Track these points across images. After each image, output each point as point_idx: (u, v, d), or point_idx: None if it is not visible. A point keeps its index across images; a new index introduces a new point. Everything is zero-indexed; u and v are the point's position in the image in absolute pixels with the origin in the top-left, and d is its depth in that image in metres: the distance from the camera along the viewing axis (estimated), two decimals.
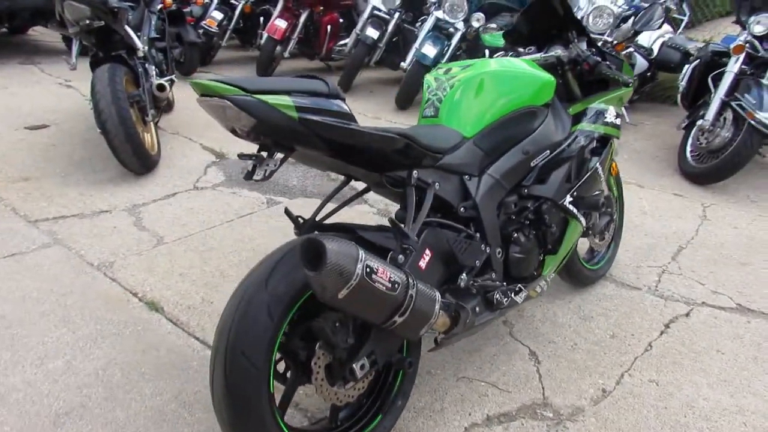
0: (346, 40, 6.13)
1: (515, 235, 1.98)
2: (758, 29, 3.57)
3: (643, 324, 2.41)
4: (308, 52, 6.49)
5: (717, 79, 3.76)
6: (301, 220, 1.90)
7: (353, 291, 1.38)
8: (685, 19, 5.76)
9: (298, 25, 6.05)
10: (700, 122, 3.73)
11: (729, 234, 3.17)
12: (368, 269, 1.39)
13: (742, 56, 3.60)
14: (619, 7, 4.44)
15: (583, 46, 2.24)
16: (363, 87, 5.75)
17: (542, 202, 2.01)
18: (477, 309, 1.84)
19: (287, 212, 1.88)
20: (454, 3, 4.89)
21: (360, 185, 1.90)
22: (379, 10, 5.59)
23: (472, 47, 5.21)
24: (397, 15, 5.56)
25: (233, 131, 1.51)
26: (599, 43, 2.49)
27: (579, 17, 4.51)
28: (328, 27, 6.13)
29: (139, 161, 3.55)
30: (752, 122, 3.41)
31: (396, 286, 1.46)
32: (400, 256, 1.57)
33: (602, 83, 2.33)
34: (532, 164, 2.01)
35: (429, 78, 2.04)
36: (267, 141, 1.51)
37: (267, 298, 1.48)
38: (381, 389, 1.80)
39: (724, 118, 3.65)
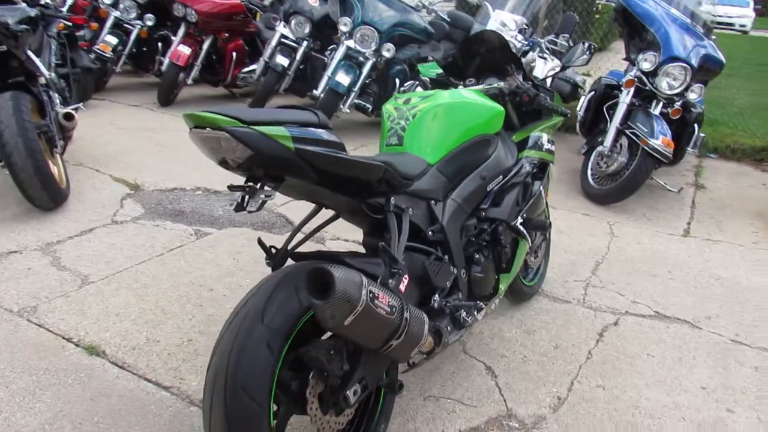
0: (252, 67, 6.09)
1: (476, 256, 2.08)
2: (645, 66, 4.02)
3: (580, 334, 2.60)
4: (211, 79, 6.35)
5: (611, 109, 4.16)
6: (274, 250, 1.88)
7: (358, 317, 1.39)
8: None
9: (202, 52, 5.91)
10: (599, 148, 4.11)
11: (635, 249, 3.50)
12: (371, 295, 1.42)
13: (632, 89, 4.03)
14: (519, 42, 4.79)
15: (520, 78, 2.42)
16: None
17: (498, 224, 2.13)
18: (449, 328, 1.91)
19: (260, 242, 1.86)
20: (365, 33, 5.03)
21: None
22: (287, 38, 5.61)
23: (382, 76, 5.37)
24: (305, 43, 5.61)
25: (222, 163, 1.48)
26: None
27: None
28: (233, 53, 6.05)
29: (48, 196, 3.29)
30: (646, 148, 3.81)
31: (393, 310, 1.49)
32: (391, 281, 1.60)
33: (535, 113, 2.52)
34: (488, 188, 2.14)
35: (388, 108, 2.10)
36: (258, 172, 1.50)
37: (265, 331, 1.46)
38: (363, 414, 1.81)
39: (620, 145, 4.05)
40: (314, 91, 5.24)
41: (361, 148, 5.04)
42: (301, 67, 5.75)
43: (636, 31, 4.13)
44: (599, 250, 3.45)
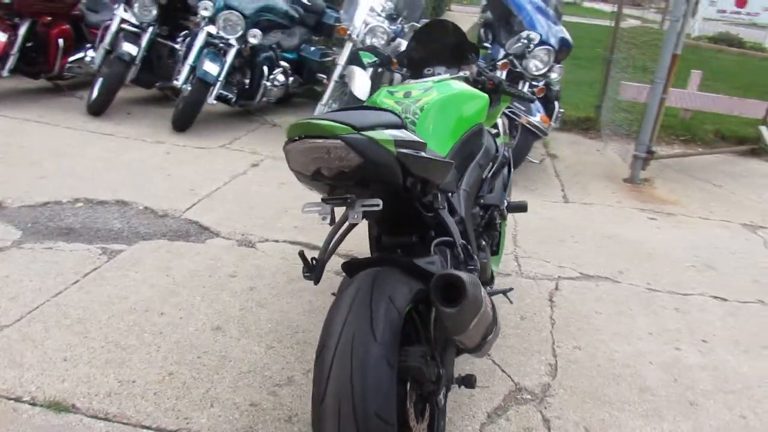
0: (79, 55, 5.37)
1: (482, 242, 2.15)
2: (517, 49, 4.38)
3: (534, 303, 2.81)
4: (30, 70, 5.43)
5: None
6: (314, 262, 1.75)
7: (480, 319, 1.38)
8: None
9: (18, 38, 5.03)
10: None
11: (536, 219, 3.84)
12: (485, 294, 1.41)
13: (506, 71, 4.37)
14: (390, 27, 4.88)
15: (482, 65, 2.50)
16: (119, 108, 5.10)
17: (493, 209, 2.21)
18: None
19: (302, 255, 1.74)
20: (230, 19, 4.71)
21: None
22: (129, 23, 5.02)
23: (247, 65, 5.10)
24: (151, 29, 5.08)
25: (315, 174, 1.36)
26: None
27: (356, 36, 4.83)
28: (59, 40, 5.24)
29: None
30: (527, 125, 4.18)
31: (493, 306, 1.50)
32: None
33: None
34: (483, 176, 2.20)
35: (387, 102, 2.04)
36: (349, 182, 1.39)
37: (381, 349, 1.36)
38: (433, 416, 1.78)
39: (503, 123, 4.37)
40: (174, 82, 4.79)
41: (236, 141, 4.76)
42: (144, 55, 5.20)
43: (505, 18, 4.46)
44: (509, 224, 3.73)
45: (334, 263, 2.77)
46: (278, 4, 5.04)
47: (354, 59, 4.89)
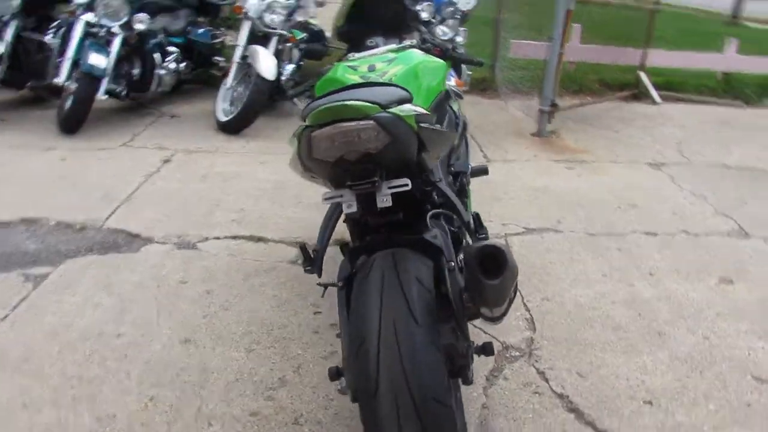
0: None
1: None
2: (424, 16, 4.37)
3: None
4: None
5: None
6: (313, 254, 1.65)
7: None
8: None
9: None
10: None
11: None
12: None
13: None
14: (290, 2, 4.69)
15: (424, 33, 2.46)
16: None
17: (462, 176, 2.20)
18: None
19: (303, 248, 1.63)
20: (111, 4, 4.27)
21: None
22: None
23: (135, 53, 4.69)
24: (15, 22, 4.52)
25: (338, 161, 1.27)
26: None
27: (252, 14, 4.59)
28: None
29: None
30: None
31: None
32: None
33: None
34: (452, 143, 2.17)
35: (352, 78, 1.94)
36: (370, 165, 1.31)
37: (425, 332, 1.32)
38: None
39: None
40: (55, 80, 4.30)
41: (137, 138, 4.39)
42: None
43: None
44: None
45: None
46: None
47: (255, 38, 4.66)
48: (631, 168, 4.27)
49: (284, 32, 4.75)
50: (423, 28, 2.48)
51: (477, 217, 1.66)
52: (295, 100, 4.84)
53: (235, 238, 2.99)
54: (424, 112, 1.38)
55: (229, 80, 4.64)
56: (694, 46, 7.40)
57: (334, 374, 1.65)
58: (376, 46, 2.40)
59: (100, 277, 2.57)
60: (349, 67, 2.00)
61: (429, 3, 4.39)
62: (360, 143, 1.27)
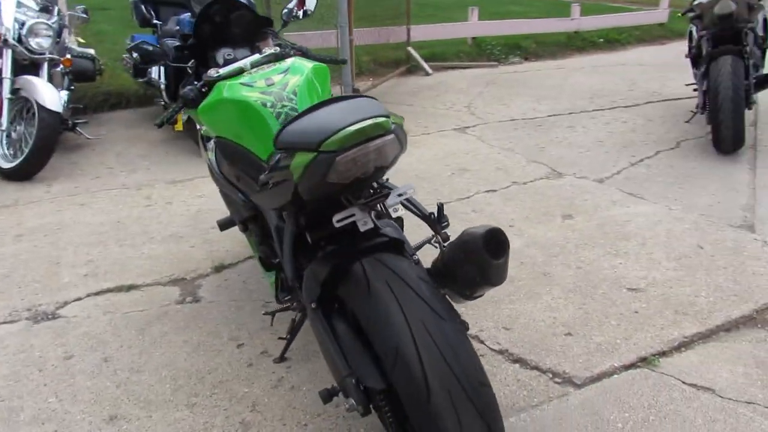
0: None
1: None
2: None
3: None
4: None
5: None
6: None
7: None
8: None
9: None
10: None
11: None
12: None
13: None
14: (51, 21, 4.12)
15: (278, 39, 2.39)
16: None
17: None
18: None
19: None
20: None
21: None
22: None
23: None
24: None
25: (355, 182, 1.26)
26: None
27: (12, 39, 3.96)
28: None
29: None
30: None
31: None
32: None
33: None
34: None
35: (250, 96, 1.84)
36: (375, 178, 1.32)
37: (452, 324, 1.39)
38: None
39: None
40: None
41: None
42: None
43: None
44: None
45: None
46: None
47: (22, 67, 4.03)
48: (443, 136, 4.68)
49: (54, 56, 4.19)
50: (277, 34, 2.42)
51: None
52: (78, 129, 4.34)
53: (100, 293, 2.64)
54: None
55: (4, 121, 3.95)
56: (449, 19, 8.25)
57: (327, 396, 1.62)
58: (234, 59, 2.29)
59: None
60: (242, 84, 1.91)
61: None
62: (381, 159, 1.26)
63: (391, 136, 1.27)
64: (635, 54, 7.97)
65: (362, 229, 1.44)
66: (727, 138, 3.84)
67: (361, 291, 1.45)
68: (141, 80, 4.82)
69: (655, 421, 1.83)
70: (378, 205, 1.66)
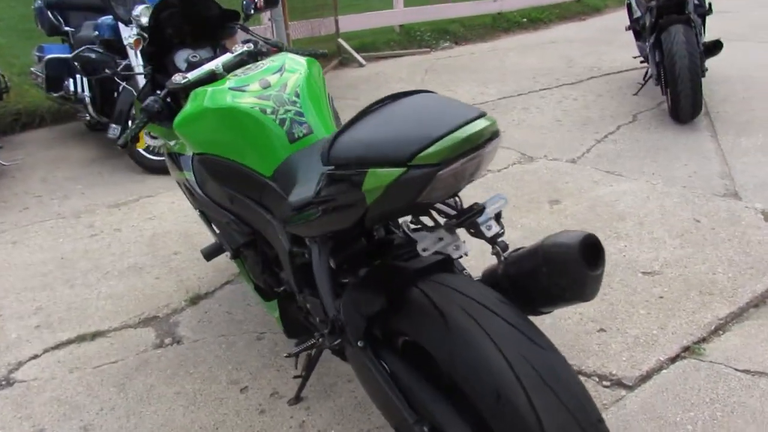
0: None
1: None
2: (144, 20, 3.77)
3: None
4: None
5: None
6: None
7: None
8: None
9: None
10: None
11: None
12: None
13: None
14: None
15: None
16: None
17: None
18: None
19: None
20: None
21: None
22: None
23: None
24: None
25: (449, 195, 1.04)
26: None
27: None
28: None
29: None
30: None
31: None
32: None
33: None
34: None
35: (248, 101, 1.55)
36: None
37: (553, 353, 1.17)
38: None
39: None
40: None
41: None
42: None
43: None
44: None
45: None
46: None
47: None
48: None
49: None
50: (248, 29, 2.11)
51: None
52: None
53: (59, 347, 2.25)
54: None
55: None
56: (373, 8, 8.02)
57: None
58: (200, 61, 1.96)
59: None
60: (237, 90, 1.61)
61: (146, 6, 3.82)
62: (481, 169, 1.02)
63: (496, 140, 1.05)
64: (559, 32, 8.04)
65: (455, 255, 1.21)
66: (686, 107, 3.85)
67: (433, 323, 1.21)
68: (55, 95, 4.32)
69: (724, 418, 1.71)
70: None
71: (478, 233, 1.19)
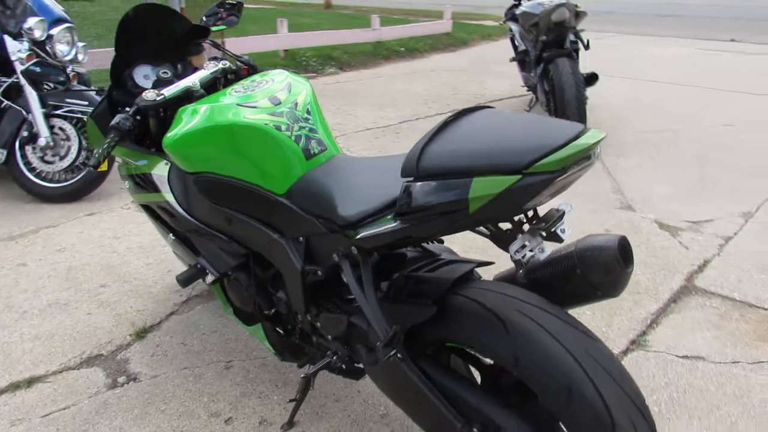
0: None
1: None
2: (38, 34, 3.45)
3: None
4: None
5: None
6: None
7: None
8: None
9: None
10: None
11: None
12: None
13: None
14: None
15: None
16: None
17: None
18: None
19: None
20: None
21: None
22: None
23: None
24: None
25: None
26: None
27: None
28: None
29: None
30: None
31: None
32: None
33: None
34: None
35: (259, 118, 1.52)
36: None
37: (603, 344, 1.28)
38: None
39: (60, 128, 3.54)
40: None
41: None
42: None
43: None
44: None
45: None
46: None
47: None
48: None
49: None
50: (219, 46, 2.04)
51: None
52: None
53: (24, 383, 1.99)
54: None
55: None
56: (255, 32, 7.95)
57: None
58: (171, 78, 1.87)
59: None
60: (247, 107, 1.58)
61: (41, 19, 3.51)
62: (573, 181, 1.10)
63: (599, 149, 1.14)
64: (435, 61, 8.54)
65: (542, 258, 1.27)
66: None
67: (491, 328, 1.27)
68: None
69: (680, 397, 1.95)
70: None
71: (551, 236, 1.28)
